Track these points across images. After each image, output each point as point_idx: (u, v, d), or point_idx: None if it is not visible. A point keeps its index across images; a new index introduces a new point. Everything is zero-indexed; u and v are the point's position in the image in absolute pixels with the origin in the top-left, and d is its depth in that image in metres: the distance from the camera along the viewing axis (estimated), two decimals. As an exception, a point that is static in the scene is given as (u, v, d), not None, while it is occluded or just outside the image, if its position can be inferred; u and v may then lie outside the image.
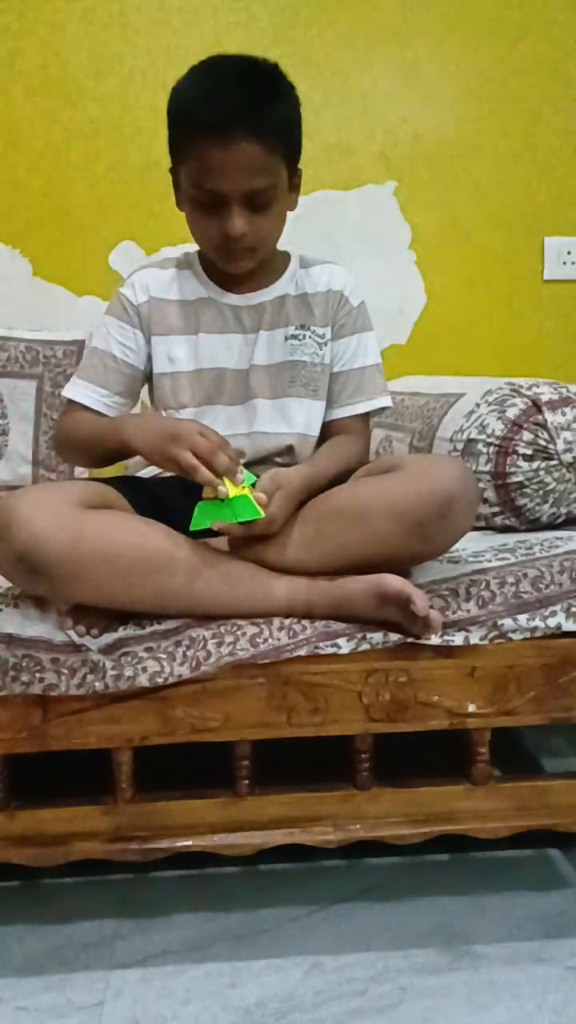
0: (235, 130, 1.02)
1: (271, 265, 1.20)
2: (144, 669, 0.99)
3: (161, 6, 1.81)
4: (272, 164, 1.06)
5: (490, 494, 1.22)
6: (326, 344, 1.21)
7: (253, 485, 1.00)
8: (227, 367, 1.18)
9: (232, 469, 0.96)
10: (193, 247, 1.20)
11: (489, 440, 1.21)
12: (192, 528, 0.98)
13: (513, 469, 1.19)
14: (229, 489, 0.96)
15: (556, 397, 1.22)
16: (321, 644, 1.01)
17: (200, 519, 0.98)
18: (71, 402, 1.19)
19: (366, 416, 1.24)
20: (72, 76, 1.81)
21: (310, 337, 1.20)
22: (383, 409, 1.24)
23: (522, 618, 1.03)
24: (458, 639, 1.02)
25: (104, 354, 1.19)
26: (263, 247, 1.13)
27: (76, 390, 1.19)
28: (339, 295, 1.21)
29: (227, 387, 1.18)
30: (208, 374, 1.18)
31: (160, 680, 0.99)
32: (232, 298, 1.19)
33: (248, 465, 1.16)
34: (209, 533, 1.00)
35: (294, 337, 1.19)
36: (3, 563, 0.94)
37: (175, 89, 1.09)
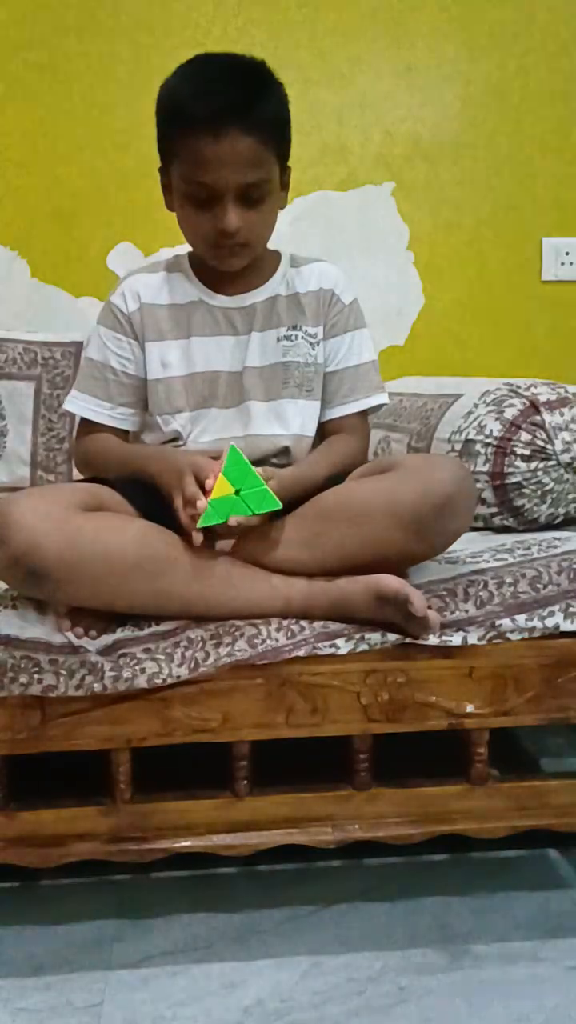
0: (229, 124, 1.02)
1: (261, 265, 1.19)
2: (142, 670, 0.99)
3: (160, 9, 1.81)
4: (265, 158, 1.06)
5: (488, 494, 1.22)
6: (318, 344, 1.20)
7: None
8: (220, 370, 1.17)
9: (192, 497, 0.97)
10: (187, 250, 1.20)
11: (487, 440, 1.21)
12: (200, 526, 0.97)
13: (511, 469, 1.20)
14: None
15: (554, 398, 1.22)
16: (319, 645, 1.01)
17: (211, 517, 0.96)
18: (82, 420, 1.19)
19: (363, 414, 1.22)
20: (71, 77, 1.81)
21: (302, 338, 1.19)
22: (380, 407, 1.24)
23: (520, 618, 1.04)
24: (456, 639, 1.03)
25: (102, 366, 1.18)
26: (256, 243, 1.13)
27: (79, 405, 1.18)
28: (330, 293, 1.20)
29: (221, 390, 1.18)
30: (202, 377, 1.17)
31: (158, 681, 0.99)
32: (223, 300, 1.18)
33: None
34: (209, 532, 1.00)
35: (286, 338, 1.18)
36: (0, 567, 0.94)
37: (164, 87, 1.09)
